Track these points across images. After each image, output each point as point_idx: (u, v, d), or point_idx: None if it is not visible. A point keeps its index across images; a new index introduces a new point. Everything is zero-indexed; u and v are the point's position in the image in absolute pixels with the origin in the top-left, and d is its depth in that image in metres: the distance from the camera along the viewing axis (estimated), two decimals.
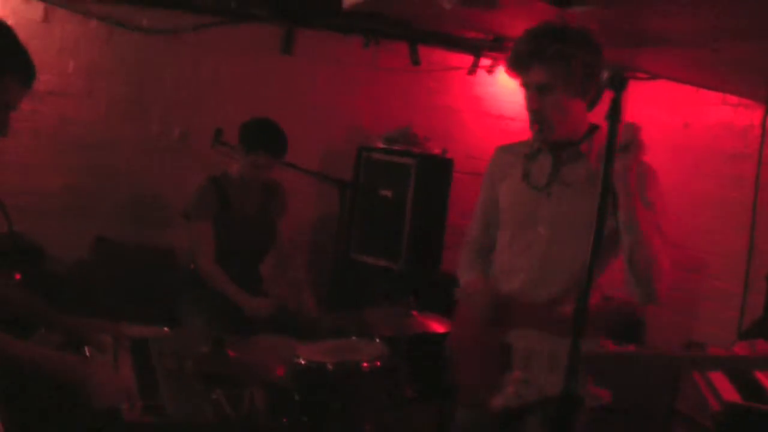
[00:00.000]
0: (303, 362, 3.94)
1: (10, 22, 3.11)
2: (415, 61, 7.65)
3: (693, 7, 4.10)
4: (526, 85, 3.61)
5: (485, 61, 7.89)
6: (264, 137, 5.57)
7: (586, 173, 3.57)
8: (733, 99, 7.00)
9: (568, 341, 3.26)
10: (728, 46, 4.72)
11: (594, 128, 3.65)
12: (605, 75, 2.55)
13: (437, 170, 7.12)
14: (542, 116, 3.58)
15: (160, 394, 3.35)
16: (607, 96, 2.57)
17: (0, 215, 3.53)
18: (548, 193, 3.68)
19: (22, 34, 3.10)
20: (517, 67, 3.61)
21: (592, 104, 3.60)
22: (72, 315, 3.81)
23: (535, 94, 3.56)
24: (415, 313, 4.75)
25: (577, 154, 3.64)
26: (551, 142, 3.67)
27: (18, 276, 5.26)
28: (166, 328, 4.13)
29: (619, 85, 2.53)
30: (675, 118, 7.62)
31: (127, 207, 6.94)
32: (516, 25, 5.58)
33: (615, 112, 2.52)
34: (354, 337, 4.48)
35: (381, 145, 7.23)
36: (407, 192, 6.85)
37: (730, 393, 4.08)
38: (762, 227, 6.66)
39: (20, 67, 3.08)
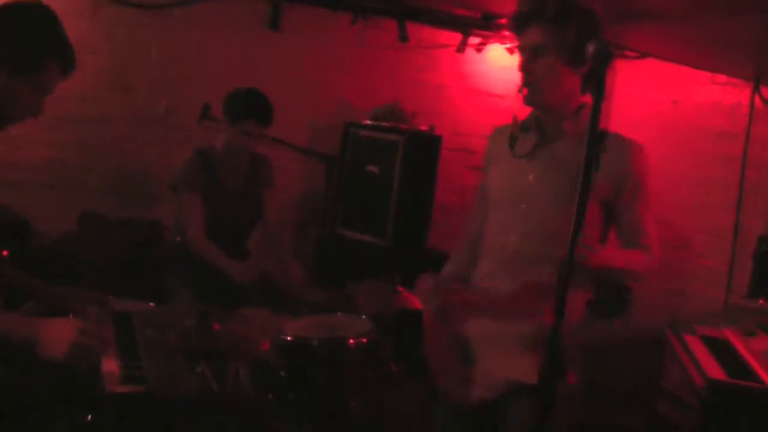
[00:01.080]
0: (288, 338, 3.93)
1: None
2: (404, 38, 7.62)
3: None
4: (521, 48, 3.60)
5: (474, 39, 7.86)
6: (250, 105, 5.57)
7: (569, 151, 3.56)
8: (722, 78, 7.00)
9: (527, 323, 3.30)
10: (716, 22, 4.71)
11: (583, 106, 3.64)
12: (590, 48, 2.55)
13: (425, 147, 7.10)
14: (534, 78, 3.57)
15: (144, 366, 3.35)
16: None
17: None
18: (532, 170, 3.68)
19: None
20: (515, 27, 3.61)
21: (585, 80, 3.59)
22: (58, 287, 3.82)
23: (529, 55, 3.55)
24: (401, 289, 4.75)
25: (562, 131, 3.64)
26: (540, 109, 3.67)
27: (6, 252, 5.26)
28: (151, 303, 4.14)
29: (603, 58, 2.53)
30: (663, 96, 7.63)
31: (114, 181, 6.92)
32: (504, 3, 5.58)
33: (599, 85, 2.51)
34: (340, 313, 4.47)
35: (368, 122, 7.19)
36: (394, 168, 6.83)
37: (714, 370, 4.10)
38: (748, 206, 6.67)
39: (64, 56, 3.16)
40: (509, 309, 3.60)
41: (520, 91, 3.62)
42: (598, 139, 3.11)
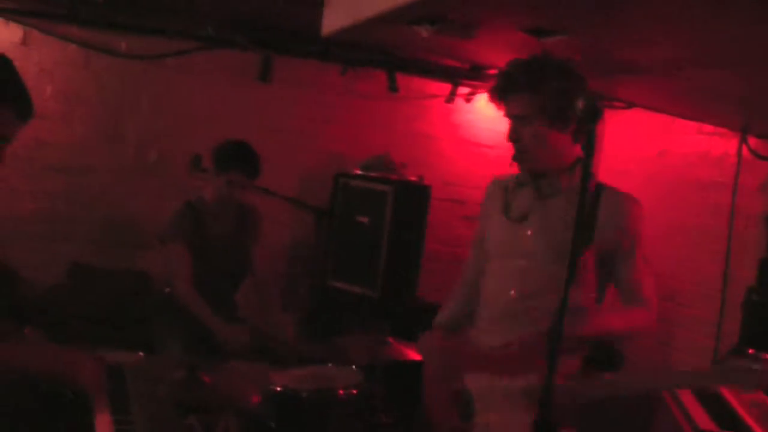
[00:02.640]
0: (278, 389, 3.92)
1: None
2: (393, 89, 7.66)
3: (668, 37, 4.13)
4: (506, 116, 3.65)
5: (463, 89, 7.91)
6: (237, 157, 5.58)
7: (566, 207, 3.57)
8: (709, 128, 7.04)
9: (522, 379, 3.31)
10: (701, 75, 4.75)
11: (579, 161, 3.67)
12: (580, 105, 2.57)
13: (414, 197, 7.12)
14: (523, 146, 3.61)
15: (134, 419, 3.34)
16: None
17: None
18: (528, 226, 3.70)
19: None
20: (496, 99, 3.67)
21: (576, 136, 3.62)
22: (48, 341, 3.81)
23: (514, 124, 3.60)
24: (391, 340, 4.75)
25: (558, 187, 3.66)
26: (535, 173, 3.70)
27: None
28: (140, 353, 4.13)
29: (592, 114, 2.55)
30: (651, 146, 7.66)
31: (102, 232, 6.93)
32: (493, 54, 5.62)
33: (590, 141, 2.53)
34: (330, 365, 4.46)
35: (358, 172, 7.21)
36: (384, 219, 6.84)
37: (704, 421, 4.09)
38: (737, 256, 6.68)
39: (18, 101, 3.11)
40: (510, 365, 3.61)
41: (513, 158, 3.67)
42: (595, 193, 3.15)
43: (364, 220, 6.79)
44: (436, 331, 4.03)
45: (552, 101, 3.49)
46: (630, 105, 7.48)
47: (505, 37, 4.64)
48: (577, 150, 3.65)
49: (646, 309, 3.62)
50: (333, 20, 5.20)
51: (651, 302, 3.63)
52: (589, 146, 2.53)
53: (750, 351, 5.09)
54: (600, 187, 3.62)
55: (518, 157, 3.66)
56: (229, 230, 5.75)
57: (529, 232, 3.68)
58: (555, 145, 3.61)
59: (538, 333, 3.48)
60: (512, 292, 3.66)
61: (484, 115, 7.90)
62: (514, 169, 3.86)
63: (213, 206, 5.66)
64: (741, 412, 4.12)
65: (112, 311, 6.40)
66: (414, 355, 4.60)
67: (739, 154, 6.75)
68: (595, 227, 3.47)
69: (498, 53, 5.12)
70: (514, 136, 3.62)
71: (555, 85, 3.50)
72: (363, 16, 4.63)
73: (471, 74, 7.61)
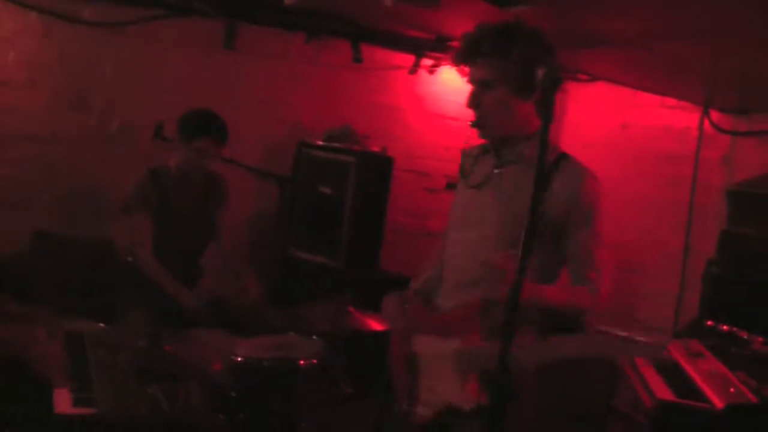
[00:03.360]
0: (240, 359, 3.93)
1: None
2: (357, 59, 7.64)
3: (631, 8, 4.14)
4: (470, 81, 3.64)
5: (427, 61, 7.90)
6: (205, 125, 5.57)
7: (526, 175, 3.58)
8: (671, 101, 7.08)
9: (455, 342, 3.32)
10: (666, 47, 4.77)
11: (538, 131, 3.68)
12: (540, 73, 2.57)
13: (377, 168, 7.12)
14: (485, 113, 3.61)
15: (94, 388, 3.34)
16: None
17: None
18: (486, 194, 3.71)
19: None
20: (459, 63, 3.66)
21: (539, 105, 3.62)
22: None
23: (477, 90, 3.59)
24: (352, 310, 4.76)
25: (519, 155, 3.67)
26: (495, 141, 3.71)
27: None
28: (101, 323, 4.12)
29: (552, 83, 2.55)
30: (614, 119, 7.70)
31: (66, 200, 6.88)
32: (458, 25, 5.61)
33: (547, 109, 2.53)
34: (292, 334, 4.47)
35: (321, 143, 7.21)
36: (346, 190, 6.84)
37: (662, 391, 4.13)
38: (698, 228, 6.74)
39: None
40: (448, 327, 3.63)
41: (472, 125, 3.65)
42: (554, 164, 3.17)
43: (327, 190, 6.78)
44: (395, 295, 4.03)
45: (517, 68, 3.48)
46: (593, 78, 7.50)
47: (468, 7, 4.64)
48: (538, 120, 3.66)
49: (588, 291, 3.59)
50: None
51: (602, 279, 3.59)
52: (547, 115, 2.54)
53: (709, 323, 5.14)
54: (560, 158, 3.62)
55: (478, 124, 3.65)
56: (194, 198, 5.74)
57: (487, 200, 3.69)
58: (517, 113, 3.61)
59: (478, 298, 3.51)
60: (471, 258, 3.67)
61: (448, 87, 7.90)
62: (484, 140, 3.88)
63: (178, 174, 5.65)
64: (699, 381, 4.17)
65: (75, 280, 6.37)
66: (376, 326, 4.62)
67: (700, 127, 6.80)
68: (546, 196, 3.48)
69: (462, 24, 5.11)
70: (475, 101, 3.61)
71: (521, 51, 3.49)
72: None
73: (435, 46, 7.60)
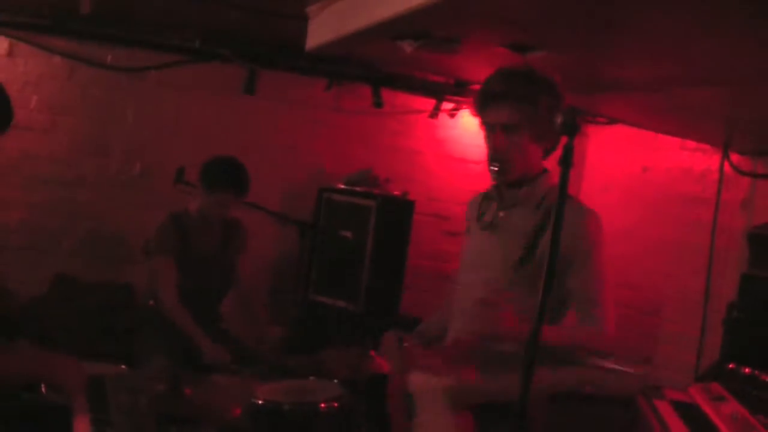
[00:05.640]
0: (259, 402, 3.92)
1: None
2: (378, 104, 7.67)
3: (650, 56, 4.16)
4: (490, 124, 3.63)
5: (447, 105, 7.93)
6: (227, 176, 5.56)
7: (522, 218, 3.64)
8: (691, 144, 7.06)
9: (447, 379, 3.32)
10: (685, 93, 4.77)
11: (544, 172, 3.70)
12: (559, 119, 2.58)
13: (398, 212, 7.13)
14: (505, 156, 3.61)
15: (111, 419, 3.35)
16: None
17: None
18: (491, 238, 3.73)
19: None
20: (486, 106, 3.65)
21: (548, 150, 3.65)
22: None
23: (502, 133, 3.59)
24: (373, 354, 4.75)
25: (521, 198, 3.68)
26: (504, 182, 3.72)
27: None
28: (123, 366, 4.13)
29: (571, 129, 2.55)
30: (634, 162, 7.69)
31: (87, 244, 6.92)
32: (477, 70, 5.64)
33: (567, 156, 2.54)
34: (312, 378, 4.46)
35: (342, 187, 7.22)
36: (367, 233, 6.85)
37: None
38: (718, 271, 6.71)
39: None
40: (440, 364, 3.64)
41: (490, 167, 3.66)
42: (556, 204, 3.17)
43: (348, 234, 6.78)
44: (393, 333, 4.05)
45: (541, 114, 3.50)
46: (613, 120, 7.51)
47: (488, 52, 4.67)
48: (541, 162, 3.68)
49: (592, 328, 3.58)
50: (317, 35, 5.22)
51: (602, 320, 3.59)
52: (567, 161, 2.54)
53: (731, 366, 5.12)
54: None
55: (497, 168, 3.65)
56: (214, 243, 5.74)
57: (489, 245, 3.71)
58: (531, 157, 3.63)
59: (473, 335, 3.52)
60: (471, 300, 3.68)
61: (468, 131, 7.91)
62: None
63: (198, 219, 5.65)
64: (720, 425, 4.15)
65: (95, 324, 6.40)
66: None
67: (721, 170, 6.77)
68: (546, 237, 3.49)
69: (481, 68, 5.13)
70: (499, 144, 3.60)
71: (546, 98, 3.51)
72: (347, 30, 4.65)
73: (455, 90, 7.63)
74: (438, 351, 3.77)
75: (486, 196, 3.85)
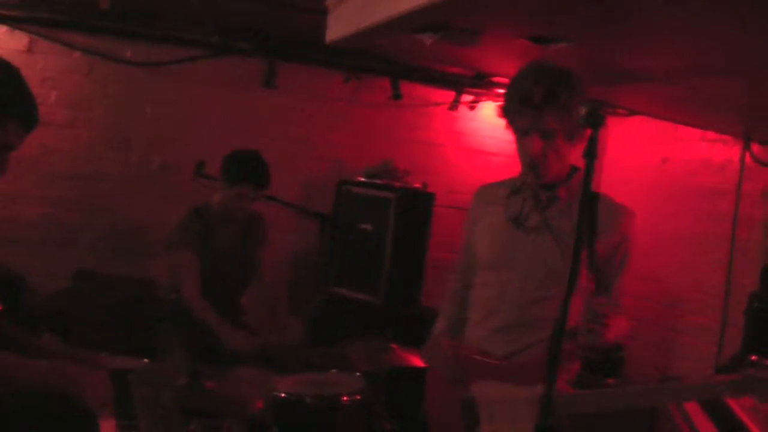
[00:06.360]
0: (281, 395, 3.92)
1: None
2: (397, 96, 7.67)
3: (670, 46, 4.14)
4: (525, 129, 3.59)
5: (467, 97, 7.93)
6: (248, 169, 5.56)
7: (562, 218, 3.63)
8: (712, 135, 7.04)
9: (528, 389, 3.30)
10: (706, 84, 4.75)
11: (574, 170, 3.68)
12: (582, 112, 2.56)
13: (417, 204, 7.12)
14: (542, 161, 3.58)
15: (139, 425, 3.36)
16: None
17: None
18: (527, 237, 3.70)
19: None
20: (521, 111, 3.58)
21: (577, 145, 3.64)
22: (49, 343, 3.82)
23: (539, 138, 3.55)
24: (394, 346, 4.76)
25: (555, 197, 3.67)
26: (541, 184, 3.70)
27: (1, 306, 5.27)
28: (145, 359, 4.14)
29: (596, 121, 2.54)
30: (654, 154, 7.67)
31: (107, 238, 6.94)
32: (497, 62, 5.63)
33: (592, 148, 2.53)
34: (333, 371, 4.46)
35: (361, 179, 7.23)
36: (387, 226, 6.85)
37: (706, 427, 4.10)
38: (739, 263, 6.69)
39: (24, 111, 3.12)
40: (518, 375, 3.62)
41: (527, 171, 3.65)
42: (589, 202, 3.17)
43: (368, 227, 6.79)
44: (442, 338, 4.01)
45: (574, 117, 3.49)
46: (632, 112, 7.49)
47: (507, 44, 4.65)
48: (573, 159, 3.66)
49: (626, 319, 3.57)
50: (337, 28, 5.21)
51: (623, 308, 3.61)
52: (591, 153, 2.53)
53: (753, 358, 5.11)
54: (595, 195, 3.62)
55: (534, 171, 3.62)
56: (235, 237, 5.75)
57: (526, 244, 3.69)
58: (566, 158, 3.62)
59: (545, 343, 3.50)
60: (510, 304, 3.66)
61: (487, 123, 7.91)
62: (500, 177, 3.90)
63: (220, 213, 5.66)
64: (746, 420, 4.13)
65: (116, 317, 6.41)
66: (417, 362, 4.61)
67: (742, 160, 6.76)
68: (595, 236, 3.49)
69: (501, 60, 5.13)
70: (539, 150, 3.56)
71: (578, 99, 3.50)
72: (366, 23, 4.63)
73: (475, 82, 7.64)
74: (512, 360, 3.74)
75: (513, 191, 3.82)
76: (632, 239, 3.63)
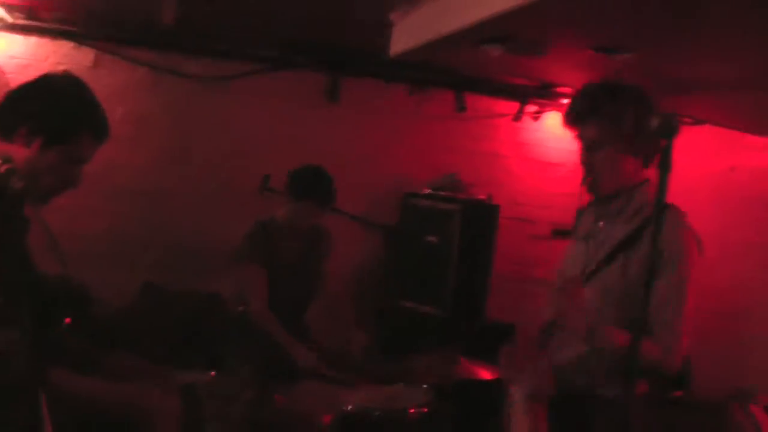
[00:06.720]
0: (350, 409, 3.93)
1: (61, 67, 3.19)
2: (461, 108, 7.66)
3: (736, 54, 4.11)
4: (580, 138, 3.64)
5: (531, 108, 7.88)
6: (313, 186, 5.58)
7: (618, 229, 3.61)
8: None
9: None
10: None
11: (640, 184, 3.65)
12: (655, 122, 2.54)
13: (482, 216, 7.08)
14: (593, 172, 3.61)
15: None
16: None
17: (54, 257, 3.56)
18: (588, 249, 3.71)
19: None
20: (572, 123, 3.68)
21: (647, 159, 3.60)
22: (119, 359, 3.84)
23: (587, 149, 3.59)
24: (461, 359, 4.73)
25: (608, 210, 3.66)
26: (600, 196, 3.70)
27: (68, 320, 5.30)
28: (212, 373, 4.15)
29: (669, 131, 2.51)
30: (721, 162, 7.60)
31: (173, 252, 6.98)
32: (562, 73, 5.61)
33: (666, 160, 2.50)
34: (400, 384, 4.46)
35: (426, 192, 7.22)
36: (452, 238, 6.82)
37: None
38: None
39: (96, 124, 3.18)
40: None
41: (583, 183, 3.66)
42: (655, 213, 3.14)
43: (433, 239, 6.77)
44: (512, 347, 3.99)
45: (625, 128, 3.48)
46: (699, 121, 7.43)
47: (574, 55, 4.64)
48: (643, 172, 3.64)
49: (663, 347, 3.47)
50: (401, 41, 5.23)
51: (674, 346, 3.42)
52: (665, 164, 2.50)
53: None
54: (664, 207, 3.56)
55: (588, 181, 3.66)
56: (300, 250, 5.76)
57: (582, 252, 3.71)
58: (624, 169, 3.60)
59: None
60: (569, 309, 3.65)
61: (552, 134, 7.85)
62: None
63: (284, 227, 5.67)
64: None
65: (182, 332, 6.44)
66: (485, 375, 4.58)
67: None
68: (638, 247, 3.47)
69: (567, 71, 5.12)
70: (588, 162, 3.62)
71: (629, 112, 3.49)
72: (432, 36, 4.65)
73: (539, 92, 7.60)
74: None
75: (588, 206, 3.83)
76: (681, 261, 3.49)
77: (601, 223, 3.71)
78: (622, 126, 3.49)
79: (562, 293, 3.51)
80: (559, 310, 3.53)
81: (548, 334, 3.69)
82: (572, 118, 3.67)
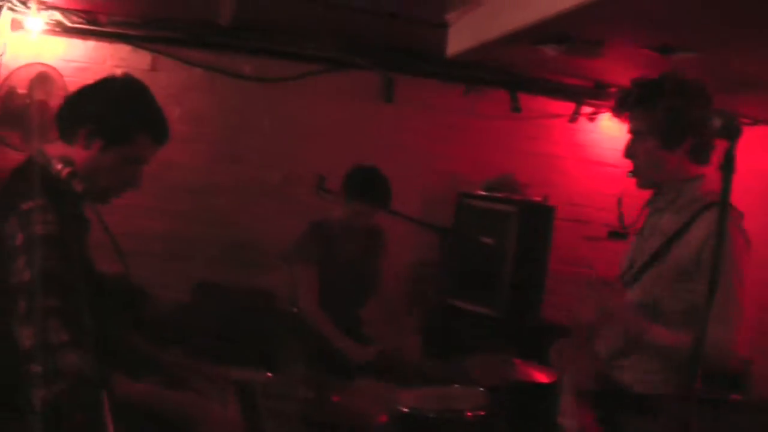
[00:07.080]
0: (405, 410, 3.92)
1: (119, 70, 3.22)
2: (516, 109, 7.65)
3: None
4: (629, 131, 3.68)
5: (587, 108, 7.85)
6: (368, 188, 5.56)
7: (668, 222, 3.61)
8: None
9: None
10: None
11: (692, 179, 3.62)
12: (717, 123, 2.52)
13: (538, 217, 7.06)
14: (635, 162, 3.66)
15: None
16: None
17: (115, 256, 3.58)
18: (641, 242, 3.74)
19: None
20: (617, 111, 3.74)
21: (698, 155, 3.57)
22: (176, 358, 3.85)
23: (631, 140, 3.63)
24: (517, 361, 4.71)
25: (669, 201, 3.64)
26: (649, 187, 3.71)
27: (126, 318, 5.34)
28: (268, 372, 4.16)
29: (732, 133, 2.49)
30: None
31: (228, 251, 7.02)
32: (619, 72, 5.57)
33: (729, 162, 2.48)
34: (456, 385, 4.44)
35: (481, 192, 7.21)
36: (508, 239, 6.80)
37: None
38: None
39: (155, 126, 3.21)
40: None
41: (628, 174, 3.68)
42: (706, 206, 3.14)
43: (489, 240, 6.75)
44: (566, 343, 4.01)
45: (663, 119, 3.47)
46: (756, 121, 7.36)
47: (631, 54, 4.62)
48: (695, 167, 3.61)
49: (710, 340, 3.41)
50: (458, 41, 5.22)
51: (731, 337, 3.35)
52: (728, 166, 2.48)
53: None
54: (711, 204, 3.53)
55: (633, 173, 3.67)
56: (355, 251, 5.76)
57: (639, 249, 3.72)
58: (666, 162, 3.59)
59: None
60: (614, 307, 3.65)
61: (608, 134, 7.82)
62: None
63: (340, 227, 5.68)
64: None
65: (237, 329, 6.47)
66: (540, 377, 4.56)
67: None
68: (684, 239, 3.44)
69: (623, 71, 5.08)
70: (629, 151, 3.67)
71: (668, 103, 3.48)
72: (489, 36, 4.64)
73: (594, 93, 7.57)
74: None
75: (646, 203, 3.84)
76: (732, 259, 3.44)
77: (651, 218, 3.74)
78: (657, 117, 3.49)
79: (605, 291, 3.54)
80: (603, 307, 3.56)
81: (592, 331, 3.71)
82: (618, 107, 3.73)
